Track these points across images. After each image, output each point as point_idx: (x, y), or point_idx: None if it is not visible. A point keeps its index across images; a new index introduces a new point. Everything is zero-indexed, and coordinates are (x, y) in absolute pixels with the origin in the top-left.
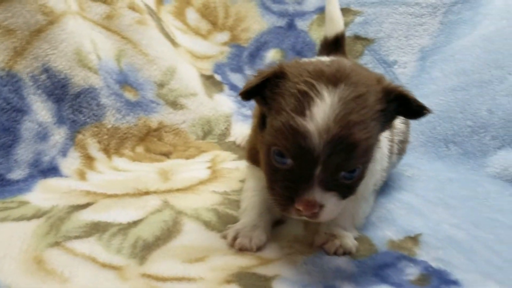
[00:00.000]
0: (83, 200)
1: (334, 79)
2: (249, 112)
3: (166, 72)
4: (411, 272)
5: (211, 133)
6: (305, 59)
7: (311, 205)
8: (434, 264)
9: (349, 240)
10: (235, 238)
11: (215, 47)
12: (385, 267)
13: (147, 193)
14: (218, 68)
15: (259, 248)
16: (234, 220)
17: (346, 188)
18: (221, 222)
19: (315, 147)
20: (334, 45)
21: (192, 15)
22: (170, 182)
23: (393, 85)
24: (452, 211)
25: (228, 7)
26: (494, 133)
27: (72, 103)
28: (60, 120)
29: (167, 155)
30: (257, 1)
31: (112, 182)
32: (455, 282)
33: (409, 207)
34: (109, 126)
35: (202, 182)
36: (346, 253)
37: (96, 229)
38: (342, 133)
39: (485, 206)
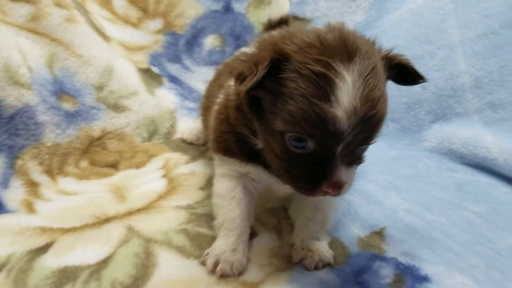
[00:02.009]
0: (40, 241)
1: (347, 53)
2: (192, 105)
3: (103, 72)
4: (386, 274)
5: (157, 133)
6: (291, 28)
7: (340, 185)
8: (402, 259)
9: (326, 252)
10: (215, 265)
11: (148, 36)
12: (362, 272)
13: (107, 220)
14: (154, 59)
15: (240, 273)
16: (208, 240)
17: (360, 157)
18: (195, 246)
19: (344, 130)
20: (279, 28)
21: (119, 3)
22: (128, 202)
23: (392, 52)
24: (403, 194)
25: None
26: (428, 108)
27: (8, 127)
28: None
29: (114, 166)
30: None
31: (64, 211)
32: (425, 278)
33: (366, 196)
34: (49, 144)
35: (161, 196)
36: (325, 265)
37: (66, 277)
38: (370, 112)
39: (429, 184)
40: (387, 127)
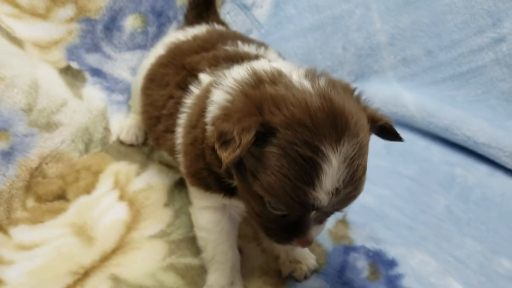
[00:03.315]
0: None
1: (336, 133)
2: (120, 97)
3: (29, 91)
4: (362, 266)
5: (92, 141)
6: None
7: (310, 242)
8: (370, 245)
9: (311, 258)
10: None
11: (60, 27)
12: (343, 270)
13: (86, 274)
14: (71, 52)
15: None
16: (197, 271)
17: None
18: (189, 283)
19: (323, 207)
20: (205, 4)
21: None
22: (98, 243)
23: (378, 114)
24: None
25: None
26: (349, 69)
27: None
28: None
29: (63, 196)
30: None
31: (35, 274)
32: (393, 262)
33: None
34: None
35: (129, 227)
36: (313, 272)
37: None
38: (351, 193)
39: None
40: None
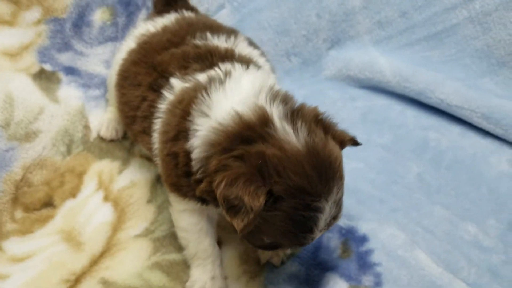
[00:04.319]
0: None
1: (328, 187)
2: (97, 92)
3: (4, 106)
4: (335, 245)
5: (74, 142)
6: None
7: None
8: (342, 223)
9: None
10: None
11: (28, 30)
12: (317, 251)
13: (78, 280)
14: (43, 55)
15: None
16: (181, 266)
17: None
18: (173, 279)
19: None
20: None
21: None
22: (86, 247)
23: (345, 137)
24: None
25: None
26: (324, 36)
27: None
28: None
29: (50, 203)
30: None
31: (29, 285)
32: (364, 238)
33: None
34: None
35: (116, 227)
36: (289, 257)
37: None
38: (337, 217)
39: (339, 122)
40: (291, 63)
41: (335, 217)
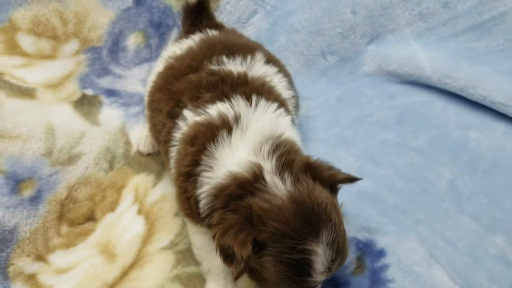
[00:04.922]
0: None
1: (314, 231)
2: (137, 109)
3: (46, 137)
4: (350, 260)
5: (116, 157)
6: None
7: None
8: (360, 236)
9: None
10: None
11: (68, 61)
12: None
13: None
14: (84, 81)
15: None
16: (198, 279)
17: None
18: None
19: (321, 281)
20: (199, 9)
21: (26, 40)
22: (119, 260)
23: (336, 178)
24: (353, 148)
25: (62, 12)
26: (362, 32)
27: None
28: None
29: (92, 217)
30: None
31: None
32: (382, 253)
33: None
34: (27, 235)
35: (145, 240)
36: None
37: None
38: (339, 262)
39: (374, 124)
40: (327, 61)
41: (333, 260)
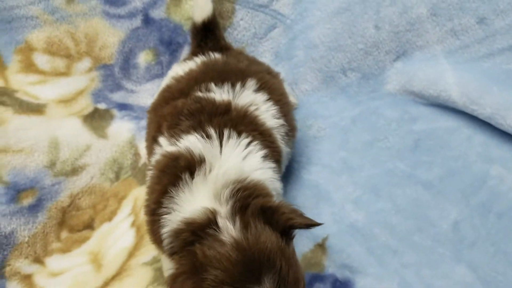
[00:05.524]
0: None
1: (254, 277)
2: None
3: (50, 150)
4: None
5: (123, 168)
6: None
7: None
8: (339, 274)
9: None
10: None
11: (82, 78)
12: None
13: None
14: (97, 96)
15: None
16: None
17: None
18: None
19: None
20: (204, 31)
21: (41, 59)
22: (104, 270)
23: (288, 224)
24: (356, 175)
25: (73, 33)
26: (387, 48)
27: None
28: None
29: (90, 225)
30: (100, 15)
31: None
32: None
33: (317, 193)
34: (26, 239)
35: (131, 254)
36: None
37: None
38: None
39: (386, 150)
40: (348, 78)
41: None
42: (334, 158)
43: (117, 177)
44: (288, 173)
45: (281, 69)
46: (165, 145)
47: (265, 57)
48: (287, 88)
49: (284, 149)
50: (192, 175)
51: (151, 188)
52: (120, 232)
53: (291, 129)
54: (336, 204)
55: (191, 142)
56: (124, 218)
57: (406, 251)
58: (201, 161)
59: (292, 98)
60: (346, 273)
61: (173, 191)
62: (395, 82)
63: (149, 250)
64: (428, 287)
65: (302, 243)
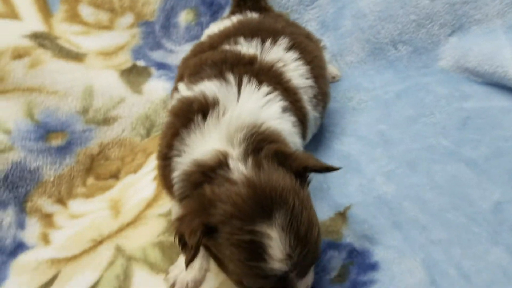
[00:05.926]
0: (48, 274)
1: (265, 213)
2: None
3: (84, 96)
4: (334, 266)
5: (155, 126)
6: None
7: None
8: (358, 244)
9: None
10: (173, 286)
11: (124, 33)
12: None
13: (101, 242)
14: (137, 53)
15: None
16: (178, 251)
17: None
18: (166, 259)
19: (287, 272)
20: None
21: (86, 11)
22: (121, 217)
23: (303, 164)
24: (393, 149)
25: None
26: (441, 21)
27: (5, 185)
28: (2, 205)
29: (116, 175)
30: None
31: (72, 237)
32: (373, 266)
33: (347, 163)
34: (52, 179)
35: (149, 205)
36: None
37: None
38: (304, 249)
39: (431, 125)
40: (398, 51)
41: (294, 247)
42: (372, 131)
43: (148, 133)
44: (318, 143)
45: (326, 40)
46: (183, 90)
47: (310, 25)
48: (329, 58)
49: (311, 112)
50: (204, 117)
51: (164, 133)
52: (142, 184)
53: (321, 93)
54: (366, 175)
55: (207, 87)
56: (148, 172)
57: (436, 228)
58: (214, 103)
59: (334, 70)
60: (366, 244)
61: (184, 133)
62: (449, 57)
63: (167, 203)
64: (456, 265)
65: (322, 210)
